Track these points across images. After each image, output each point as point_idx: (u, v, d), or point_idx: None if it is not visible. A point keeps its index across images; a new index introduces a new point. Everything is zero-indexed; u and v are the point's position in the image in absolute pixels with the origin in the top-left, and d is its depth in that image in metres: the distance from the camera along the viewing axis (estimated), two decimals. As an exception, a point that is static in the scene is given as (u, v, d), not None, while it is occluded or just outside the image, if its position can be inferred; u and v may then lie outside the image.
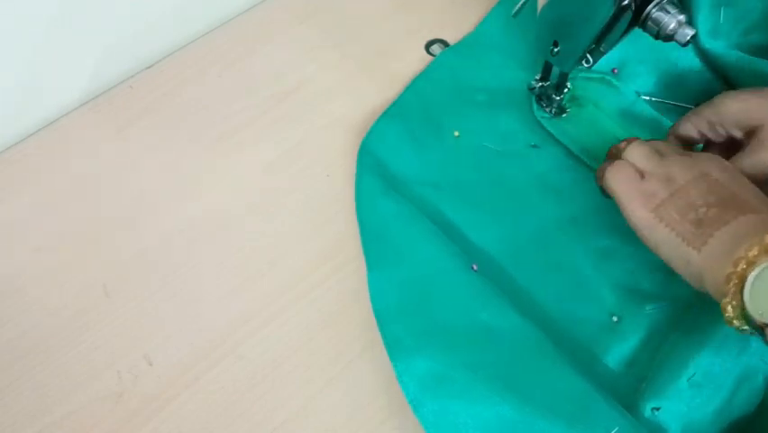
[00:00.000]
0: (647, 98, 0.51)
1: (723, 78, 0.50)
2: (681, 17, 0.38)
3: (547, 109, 0.51)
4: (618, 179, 0.40)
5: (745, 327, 0.32)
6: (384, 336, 0.41)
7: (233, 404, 0.41)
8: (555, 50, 0.44)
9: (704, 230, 0.35)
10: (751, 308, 0.31)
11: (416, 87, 0.53)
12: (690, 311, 0.43)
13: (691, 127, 0.44)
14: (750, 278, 0.31)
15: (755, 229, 0.33)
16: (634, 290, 0.44)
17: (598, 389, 0.39)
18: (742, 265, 0.32)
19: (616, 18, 0.38)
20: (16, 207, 0.48)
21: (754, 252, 0.32)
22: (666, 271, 0.39)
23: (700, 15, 0.48)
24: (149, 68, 0.54)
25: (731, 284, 0.32)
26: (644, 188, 0.39)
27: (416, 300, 0.42)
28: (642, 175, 0.40)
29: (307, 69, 0.55)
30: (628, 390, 0.40)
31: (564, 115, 0.51)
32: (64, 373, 0.42)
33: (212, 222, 0.48)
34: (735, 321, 0.32)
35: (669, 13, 0.38)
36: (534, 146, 0.50)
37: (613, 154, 0.44)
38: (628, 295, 0.44)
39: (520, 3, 0.50)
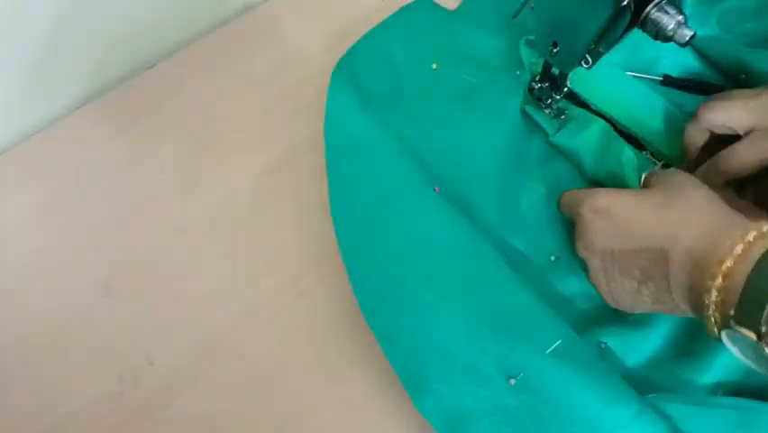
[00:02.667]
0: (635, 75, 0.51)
1: (712, 67, 0.51)
2: (681, 17, 0.38)
3: (546, 111, 0.52)
4: (595, 280, 0.39)
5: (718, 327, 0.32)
6: (340, 241, 0.42)
7: (234, 404, 0.41)
8: (555, 50, 0.44)
9: (667, 302, 0.34)
10: (747, 362, 0.30)
11: (403, 14, 0.52)
12: None
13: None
14: (726, 343, 0.30)
15: (688, 270, 0.32)
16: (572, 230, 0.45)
17: (545, 307, 0.39)
18: (715, 328, 0.31)
19: (615, 18, 0.38)
20: (16, 207, 0.48)
21: (711, 310, 0.30)
22: None
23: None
24: (149, 68, 0.54)
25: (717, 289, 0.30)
26: (598, 282, 0.38)
27: (377, 216, 0.42)
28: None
29: (308, 69, 0.55)
30: (583, 322, 0.42)
31: (563, 117, 0.51)
32: (64, 372, 0.42)
33: (212, 222, 0.48)
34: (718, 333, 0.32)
35: (668, 13, 0.38)
36: (515, 80, 0.50)
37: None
38: (567, 236, 0.45)
39: (520, 3, 0.50)
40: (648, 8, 0.38)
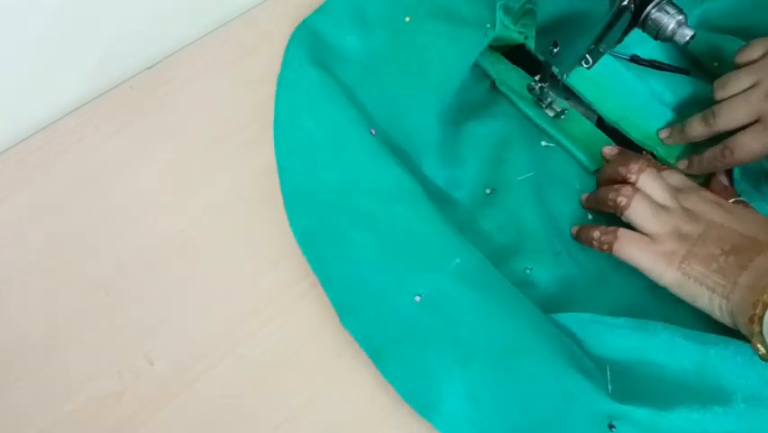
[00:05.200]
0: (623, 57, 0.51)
1: (684, 54, 0.52)
2: (681, 17, 0.38)
3: (547, 110, 0.52)
4: (632, 250, 0.41)
5: None
6: (282, 185, 0.46)
7: (234, 403, 0.41)
8: (555, 50, 0.44)
9: (728, 278, 0.38)
10: None
11: None
12: (556, 183, 0.48)
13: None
14: (766, 318, 0.34)
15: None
16: (504, 162, 0.49)
17: (455, 233, 0.42)
18: (759, 308, 0.35)
19: (615, 18, 0.39)
20: (16, 207, 0.48)
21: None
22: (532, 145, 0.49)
23: None
24: (149, 68, 0.54)
25: (754, 325, 0.35)
26: (662, 250, 0.41)
27: (316, 157, 0.47)
28: (660, 207, 0.42)
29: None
30: (502, 253, 0.45)
31: (563, 118, 0.51)
32: (65, 372, 0.42)
33: (212, 222, 0.48)
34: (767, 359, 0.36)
35: (668, 13, 0.38)
36: (481, 34, 0.51)
37: (609, 175, 0.45)
38: (500, 168, 0.49)
39: (520, 3, 0.50)
40: (648, 8, 0.38)
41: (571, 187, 0.49)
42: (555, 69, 0.48)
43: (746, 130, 0.43)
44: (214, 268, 0.46)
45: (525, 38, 0.51)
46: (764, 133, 0.42)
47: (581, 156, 0.49)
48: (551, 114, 0.52)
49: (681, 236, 0.41)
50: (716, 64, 0.50)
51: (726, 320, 0.39)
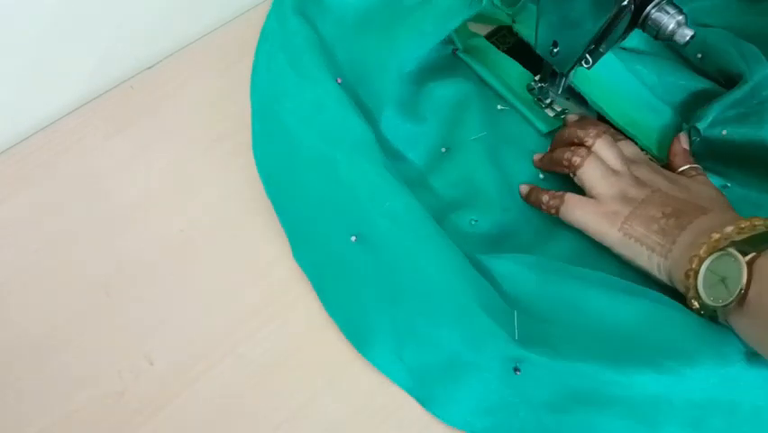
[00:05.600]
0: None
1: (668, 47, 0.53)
2: (681, 17, 0.38)
3: (547, 110, 0.52)
4: (577, 211, 0.45)
5: (711, 316, 0.38)
6: (253, 127, 0.49)
7: (234, 403, 0.41)
8: (555, 50, 0.44)
9: (667, 238, 0.40)
10: (704, 295, 0.37)
11: None
12: (509, 144, 0.50)
13: None
14: (702, 270, 0.37)
15: (707, 228, 0.39)
16: (460, 122, 0.51)
17: (390, 178, 0.44)
18: (695, 262, 0.38)
19: (615, 18, 0.39)
20: (16, 207, 0.48)
21: (703, 249, 0.37)
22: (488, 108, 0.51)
23: None
24: (149, 68, 0.54)
25: (690, 279, 0.38)
26: (606, 211, 0.43)
27: (281, 102, 0.49)
28: (610, 170, 0.45)
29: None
30: (450, 206, 0.48)
31: (563, 117, 0.51)
32: (65, 372, 0.42)
33: (212, 222, 0.48)
34: (702, 313, 0.39)
35: (668, 13, 0.38)
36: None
37: (567, 137, 0.48)
38: (456, 128, 0.50)
39: (520, 3, 0.50)
40: (648, 8, 0.38)
41: (524, 147, 0.51)
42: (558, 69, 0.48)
43: (578, 195, 0.45)
44: (214, 268, 0.46)
45: (513, 21, 0.53)
46: (591, 207, 0.44)
47: (534, 119, 0.52)
48: (551, 114, 0.52)
49: (626, 199, 0.43)
50: (699, 56, 0.51)
51: (664, 279, 0.41)
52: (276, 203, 0.47)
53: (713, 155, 0.48)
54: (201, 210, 0.48)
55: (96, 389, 0.42)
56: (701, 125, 0.47)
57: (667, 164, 0.48)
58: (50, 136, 0.51)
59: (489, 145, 0.50)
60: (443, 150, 0.50)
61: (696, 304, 0.38)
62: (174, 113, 0.52)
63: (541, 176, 0.50)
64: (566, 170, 0.46)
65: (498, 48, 0.55)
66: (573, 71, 0.46)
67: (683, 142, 0.48)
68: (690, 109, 0.50)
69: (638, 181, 0.44)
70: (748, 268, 0.35)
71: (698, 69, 0.52)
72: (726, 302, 0.36)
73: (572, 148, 0.46)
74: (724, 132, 0.47)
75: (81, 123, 0.52)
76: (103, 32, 0.51)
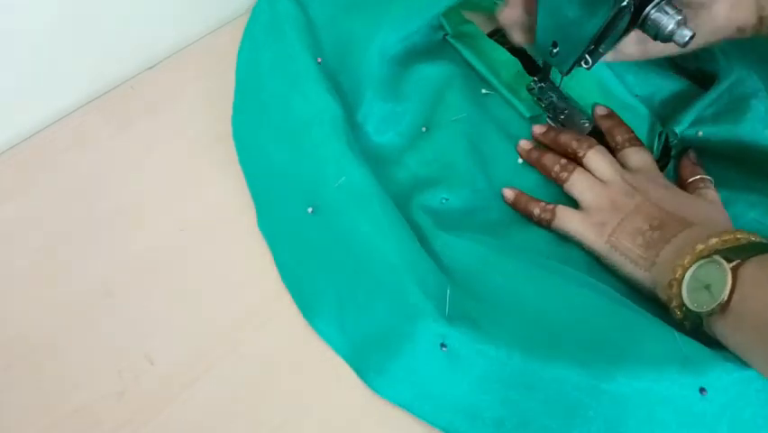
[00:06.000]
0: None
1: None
2: (680, 18, 0.38)
3: (547, 110, 0.52)
4: (567, 224, 0.46)
5: (694, 324, 0.38)
6: (234, 102, 0.51)
7: (234, 403, 0.41)
8: (554, 50, 0.44)
9: (651, 252, 0.41)
10: (688, 302, 0.38)
11: None
12: (489, 127, 0.51)
13: None
14: (686, 277, 0.38)
15: (690, 241, 0.39)
16: (443, 103, 0.51)
17: (354, 153, 0.46)
18: (679, 271, 0.38)
19: (615, 19, 0.39)
20: (16, 207, 0.48)
21: (687, 259, 0.38)
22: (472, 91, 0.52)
23: None
24: (150, 68, 0.54)
25: (673, 289, 0.38)
26: (594, 222, 0.44)
27: (262, 81, 0.51)
28: (599, 182, 0.46)
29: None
30: (423, 183, 0.48)
31: (563, 117, 0.51)
32: (65, 372, 0.42)
33: (212, 221, 0.48)
34: (685, 323, 0.39)
35: (667, 14, 0.38)
36: None
37: (563, 143, 0.48)
38: (438, 108, 0.51)
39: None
40: (648, 8, 0.38)
41: (505, 131, 0.51)
42: (554, 70, 0.48)
43: (568, 208, 0.46)
44: (214, 268, 0.46)
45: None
46: (583, 222, 0.45)
47: (517, 103, 0.52)
48: (551, 114, 0.52)
49: (615, 208, 0.44)
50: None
51: (647, 288, 0.42)
52: (247, 172, 0.49)
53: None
54: (201, 210, 0.48)
55: (96, 389, 0.42)
56: (678, 129, 0.47)
57: (676, 178, 0.49)
58: (50, 136, 0.51)
59: (469, 127, 0.51)
60: (424, 129, 0.51)
61: (679, 314, 0.39)
62: (174, 113, 0.52)
63: (519, 161, 0.51)
64: (553, 180, 0.48)
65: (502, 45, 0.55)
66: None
67: (692, 157, 0.49)
68: (666, 108, 0.51)
69: (629, 190, 0.45)
70: (732, 274, 0.35)
71: (677, 65, 0.52)
72: (710, 308, 0.36)
73: (562, 162, 0.47)
74: (700, 133, 0.48)
75: (81, 123, 0.52)
76: (103, 32, 0.51)
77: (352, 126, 0.49)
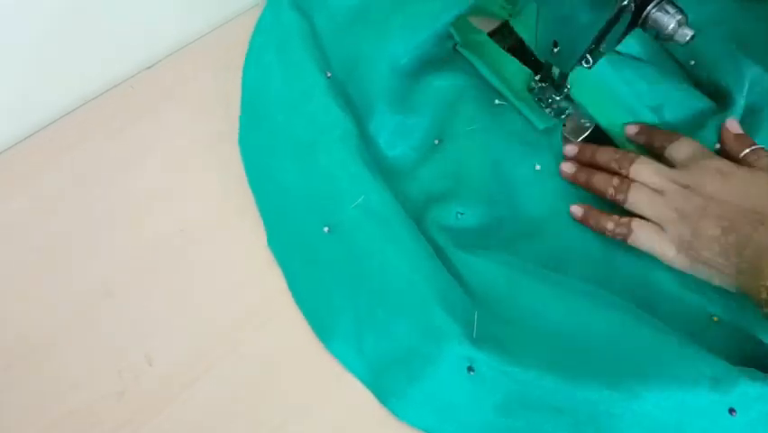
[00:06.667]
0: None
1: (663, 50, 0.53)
2: (681, 17, 0.38)
3: (547, 110, 0.52)
4: (645, 241, 0.44)
5: None
6: (241, 114, 0.51)
7: (234, 403, 0.41)
8: (555, 50, 0.44)
9: (731, 259, 0.40)
10: None
11: None
12: (502, 137, 0.50)
13: None
14: None
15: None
16: (456, 115, 0.51)
17: (365, 171, 0.45)
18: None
19: (615, 18, 0.39)
20: (16, 207, 0.48)
21: None
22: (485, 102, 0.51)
23: None
24: (149, 68, 0.54)
25: (764, 295, 0.37)
26: (670, 237, 0.43)
27: (269, 93, 0.50)
28: (660, 193, 0.44)
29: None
30: (437, 198, 0.48)
31: (563, 117, 0.51)
32: (65, 372, 0.42)
33: (212, 221, 0.48)
34: None
35: (668, 13, 0.38)
36: None
37: (604, 163, 0.47)
38: (451, 119, 0.51)
39: (521, 3, 0.50)
40: (648, 8, 0.38)
41: (520, 139, 0.50)
42: (556, 71, 0.48)
43: (644, 223, 0.44)
44: (214, 268, 0.46)
45: (510, 15, 0.54)
46: (657, 235, 0.44)
47: (531, 115, 0.51)
48: (551, 113, 0.52)
49: (683, 217, 0.42)
50: (692, 62, 0.51)
51: (738, 293, 0.41)
52: (256, 191, 0.48)
53: None
54: (201, 210, 0.48)
55: (96, 389, 0.42)
56: None
57: (722, 153, 0.46)
58: (50, 136, 0.51)
59: (482, 138, 0.50)
60: (436, 141, 0.50)
61: None
62: (174, 113, 0.52)
63: (537, 167, 0.49)
64: (610, 201, 0.46)
65: (499, 46, 0.55)
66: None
67: (733, 127, 0.46)
68: (676, 121, 0.50)
69: (688, 193, 0.43)
70: None
71: (690, 74, 0.52)
72: None
73: (615, 182, 0.46)
74: (717, 146, 0.47)
75: (81, 123, 0.52)
76: (103, 32, 0.51)
77: (366, 140, 0.48)
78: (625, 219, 0.45)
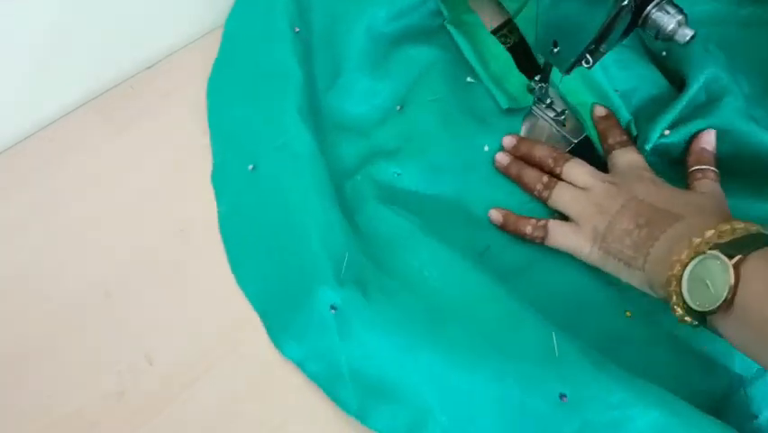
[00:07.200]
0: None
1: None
2: (681, 17, 0.38)
3: (548, 111, 0.52)
4: (559, 239, 0.45)
5: (695, 323, 0.37)
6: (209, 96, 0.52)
7: (234, 403, 0.41)
8: (555, 50, 0.44)
9: (641, 250, 0.40)
10: (690, 301, 0.36)
11: None
12: (465, 111, 0.51)
13: None
14: (685, 275, 0.36)
15: (681, 235, 0.38)
16: (424, 85, 0.52)
17: (306, 120, 0.47)
18: (677, 267, 0.37)
19: (615, 18, 0.39)
20: (16, 207, 0.48)
21: (684, 254, 0.37)
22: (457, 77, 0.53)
23: None
24: (149, 68, 0.54)
25: (672, 286, 0.37)
26: (587, 231, 0.44)
27: (236, 56, 0.53)
28: (584, 190, 0.45)
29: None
30: (380, 155, 0.49)
31: (563, 117, 0.51)
32: (65, 372, 0.42)
33: (212, 221, 0.48)
34: (686, 318, 0.37)
35: (668, 13, 0.38)
36: None
37: (539, 159, 0.48)
38: (418, 88, 0.52)
39: (522, 3, 0.50)
40: (648, 8, 0.38)
41: (479, 118, 0.51)
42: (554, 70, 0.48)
43: (560, 223, 0.46)
44: (214, 268, 0.46)
45: (516, 12, 0.54)
46: (573, 234, 0.45)
47: (498, 93, 0.51)
48: (551, 114, 0.52)
49: (601, 212, 0.43)
50: (663, 53, 0.51)
51: (646, 290, 0.41)
52: (212, 130, 0.51)
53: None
54: (201, 210, 0.48)
55: (96, 389, 0.42)
56: (648, 146, 0.47)
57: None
58: (50, 136, 0.51)
59: (442, 109, 0.51)
60: (398, 107, 0.52)
61: (679, 310, 0.37)
62: (174, 113, 0.52)
63: (486, 148, 0.50)
64: (536, 198, 0.48)
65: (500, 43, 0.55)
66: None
67: (703, 141, 0.46)
68: (644, 109, 0.50)
69: (613, 190, 0.44)
70: (735, 271, 0.34)
71: (660, 63, 0.52)
72: (714, 307, 0.35)
73: (544, 180, 0.47)
74: (666, 132, 0.47)
75: (81, 123, 0.52)
76: (102, 32, 0.51)
77: (318, 95, 0.51)
78: (542, 222, 0.46)
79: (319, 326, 0.41)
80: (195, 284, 0.45)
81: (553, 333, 0.40)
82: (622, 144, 0.48)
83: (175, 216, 0.48)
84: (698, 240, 0.36)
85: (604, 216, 0.43)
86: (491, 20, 0.56)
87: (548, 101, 0.51)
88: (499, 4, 0.57)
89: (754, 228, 0.36)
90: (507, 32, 0.56)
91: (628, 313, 0.44)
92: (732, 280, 0.34)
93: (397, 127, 0.51)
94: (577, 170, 0.47)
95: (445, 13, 0.54)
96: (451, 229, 0.46)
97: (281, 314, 0.42)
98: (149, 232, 0.47)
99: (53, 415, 0.41)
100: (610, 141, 0.48)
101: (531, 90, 0.52)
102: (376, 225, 0.46)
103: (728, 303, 0.34)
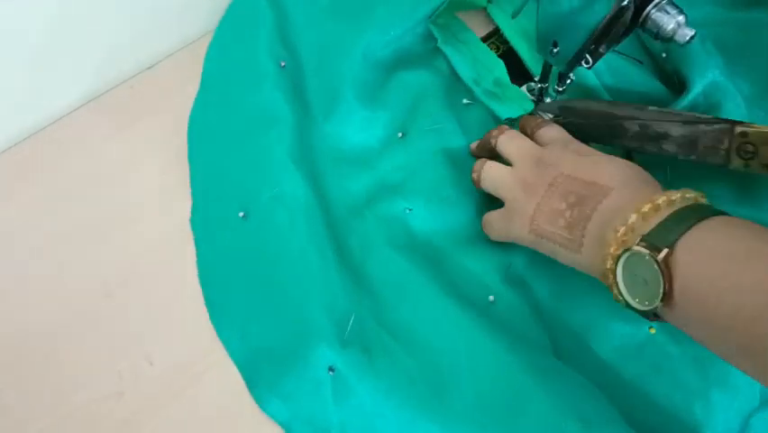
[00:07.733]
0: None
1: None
2: (681, 18, 0.38)
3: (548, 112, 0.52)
4: (491, 221, 0.44)
5: (641, 310, 0.35)
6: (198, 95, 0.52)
7: (234, 404, 0.41)
8: (555, 50, 0.44)
9: (575, 232, 0.38)
10: (630, 300, 0.34)
11: None
12: (465, 136, 0.50)
13: None
14: (618, 270, 0.34)
15: (612, 213, 0.36)
16: (422, 111, 0.51)
17: (289, 165, 0.46)
18: (609, 262, 0.35)
19: (615, 19, 0.39)
20: (16, 207, 0.48)
21: (613, 247, 0.34)
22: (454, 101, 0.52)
23: None
24: (149, 68, 0.54)
25: (609, 280, 0.35)
26: (513, 215, 0.42)
27: (227, 80, 0.52)
28: (507, 169, 0.43)
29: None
30: (389, 190, 0.48)
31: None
32: (65, 372, 0.42)
33: (212, 222, 0.48)
34: (631, 307, 0.35)
35: (668, 13, 0.38)
36: None
37: (482, 144, 0.48)
38: (416, 115, 0.51)
39: (521, 3, 0.50)
40: (648, 8, 0.38)
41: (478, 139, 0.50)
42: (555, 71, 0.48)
43: (494, 212, 0.45)
44: (214, 268, 0.46)
45: (489, 0, 0.54)
46: (504, 220, 0.43)
47: (496, 107, 0.51)
48: (551, 115, 0.52)
49: (528, 192, 0.41)
50: (664, 55, 0.51)
51: (585, 271, 0.39)
52: (192, 168, 0.49)
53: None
54: (201, 210, 0.48)
55: (96, 389, 0.42)
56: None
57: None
58: (50, 136, 0.51)
59: (444, 136, 0.50)
60: (400, 135, 0.51)
61: (623, 304, 0.35)
62: (174, 112, 0.52)
63: None
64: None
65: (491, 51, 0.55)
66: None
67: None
68: (627, 99, 0.50)
69: (541, 168, 0.41)
70: (665, 266, 0.32)
71: (659, 65, 0.52)
72: (654, 305, 0.33)
73: (477, 164, 0.46)
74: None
75: (81, 123, 0.52)
76: (103, 32, 0.51)
77: (313, 129, 0.49)
78: (475, 174, 0.46)
79: (312, 387, 0.40)
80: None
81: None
82: (540, 125, 0.46)
83: (175, 215, 0.48)
84: (622, 229, 0.34)
85: (532, 197, 0.41)
86: (480, 28, 0.56)
87: (548, 101, 0.51)
88: (487, 15, 0.57)
89: (677, 198, 0.34)
90: (497, 41, 0.56)
91: (652, 330, 0.43)
92: (663, 279, 0.32)
93: (399, 158, 0.50)
94: (507, 144, 0.45)
95: (437, 35, 0.54)
96: (462, 272, 0.45)
97: (267, 370, 0.41)
98: (149, 232, 0.47)
99: (53, 415, 0.41)
100: (529, 130, 0.46)
101: (531, 90, 0.52)
102: (386, 273, 0.44)
103: (668, 297, 0.32)
